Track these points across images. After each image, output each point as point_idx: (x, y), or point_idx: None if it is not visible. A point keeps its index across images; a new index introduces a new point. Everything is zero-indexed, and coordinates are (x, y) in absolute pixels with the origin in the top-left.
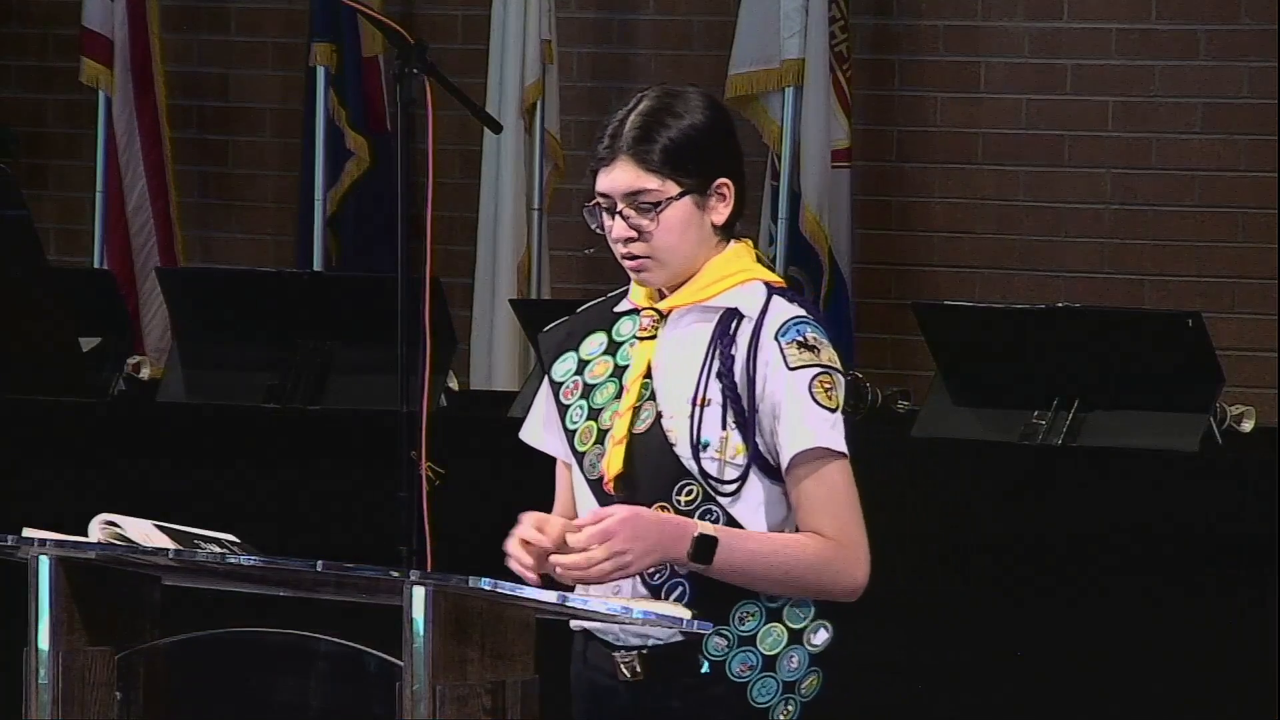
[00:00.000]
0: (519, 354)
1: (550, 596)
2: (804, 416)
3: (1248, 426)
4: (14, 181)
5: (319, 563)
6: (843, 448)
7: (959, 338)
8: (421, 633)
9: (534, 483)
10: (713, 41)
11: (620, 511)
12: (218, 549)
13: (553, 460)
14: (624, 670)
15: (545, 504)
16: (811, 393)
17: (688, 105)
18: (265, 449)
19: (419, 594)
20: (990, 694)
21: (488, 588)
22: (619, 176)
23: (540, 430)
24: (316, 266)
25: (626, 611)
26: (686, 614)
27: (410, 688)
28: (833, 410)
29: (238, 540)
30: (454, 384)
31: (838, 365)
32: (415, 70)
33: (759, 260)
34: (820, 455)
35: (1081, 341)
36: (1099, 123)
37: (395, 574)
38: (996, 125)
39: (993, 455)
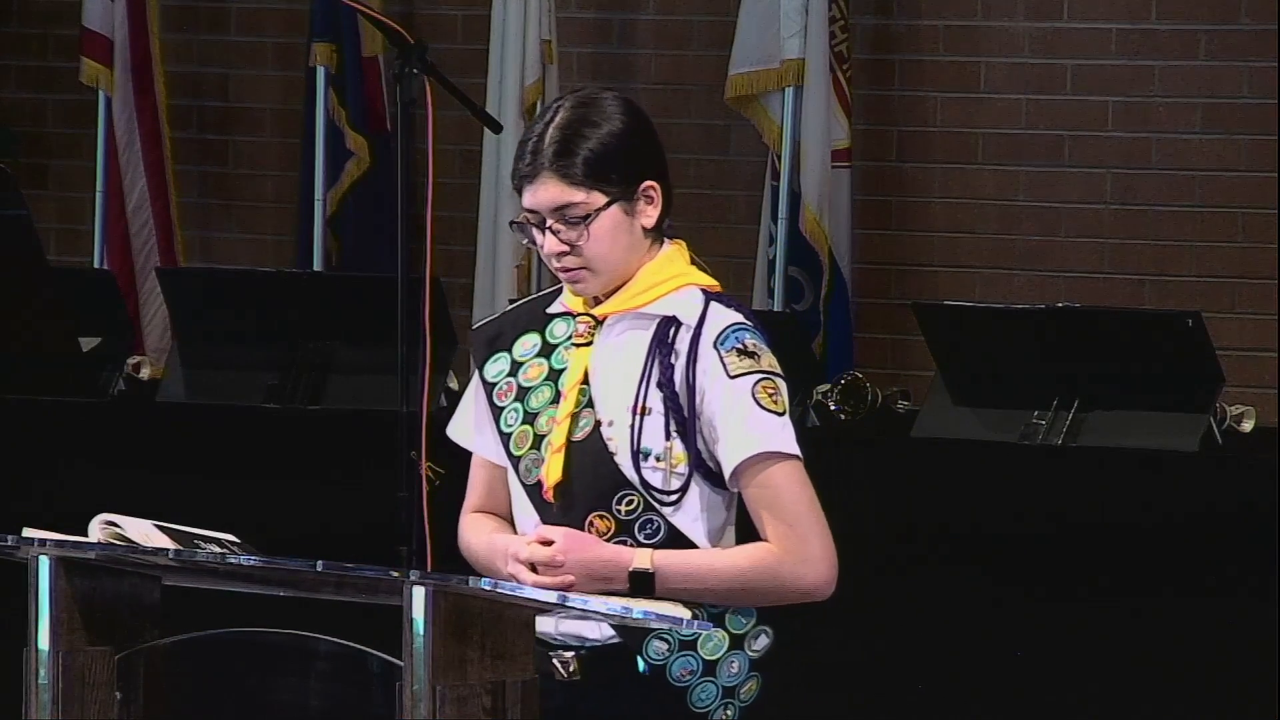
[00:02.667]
0: None
1: (550, 596)
2: (746, 424)
3: (1248, 426)
4: (14, 181)
5: (319, 563)
6: (794, 449)
7: (959, 338)
8: (421, 633)
9: None
10: (713, 41)
11: (563, 540)
12: (218, 549)
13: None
14: (560, 670)
15: None
16: (755, 399)
17: (604, 113)
18: (265, 449)
19: (419, 594)
20: (990, 694)
21: (488, 588)
22: (544, 193)
23: (470, 430)
24: (316, 266)
25: (626, 611)
26: (686, 614)
27: (410, 688)
28: (779, 414)
29: (238, 540)
30: (454, 384)
31: (778, 370)
32: (415, 70)
33: (693, 262)
34: (763, 459)
35: (1081, 341)
36: (1099, 123)
37: (395, 574)
38: (996, 125)
39: (993, 455)
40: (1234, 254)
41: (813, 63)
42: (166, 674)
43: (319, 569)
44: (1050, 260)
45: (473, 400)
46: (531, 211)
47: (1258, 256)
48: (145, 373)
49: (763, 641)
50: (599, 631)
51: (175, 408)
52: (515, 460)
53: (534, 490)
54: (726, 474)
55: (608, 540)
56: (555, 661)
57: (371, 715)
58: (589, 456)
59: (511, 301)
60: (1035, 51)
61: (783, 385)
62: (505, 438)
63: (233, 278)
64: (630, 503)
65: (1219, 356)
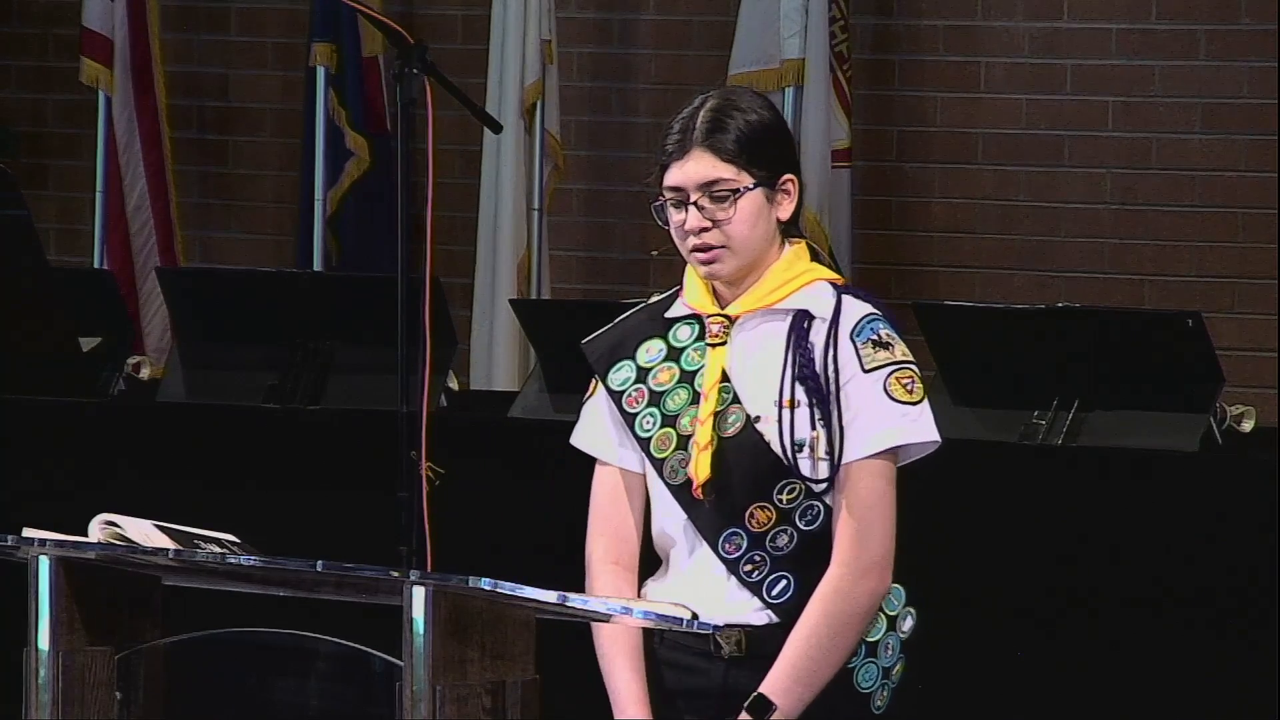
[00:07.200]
0: (519, 354)
1: (550, 596)
2: (871, 423)
3: (1248, 426)
4: (14, 181)
5: (319, 563)
6: (924, 437)
7: (959, 338)
8: (421, 633)
9: (534, 483)
10: (713, 41)
11: None
12: (218, 549)
13: (587, 464)
14: (725, 645)
15: (545, 504)
16: (888, 391)
17: (752, 104)
18: (265, 449)
19: (419, 594)
20: (990, 694)
21: (488, 588)
22: (693, 167)
23: (600, 439)
24: (316, 266)
25: (626, 612)
26: (686, 614)
27: (410, 688)
28: (914, 403)
29: (238, 540)
30: (454, 384)
31: (911, 357)
32: (415, 70)
33: (816, 258)
34: (872, 459)
35: (1081, 341)
36: (1099, 123)
37: (395, 574)
38: (996, 125)
39: (993, 455)
40: (1234, 254)
41: (813, 63)
42: (166, 674)
43: (319, 569)
44: (1050, 260)
45: (602, 412)
46: (675, 190)
47: (1258, 256)
48: (145, 373)
49: (909, 623)
50: (764, 618)
51: (175, 408)
52: (659, 463)
53: (682, 490)
54: (840, 461)
55: (769, 530)
56: (720, 639)
57: (371, 715)
58: (745, 451)
59: (513, 302)
60: (1035, 51)
61: (917, 371)
62: (644, 442)
63: (233, 278)
64: (792, 491)
65: (1219, 356)
